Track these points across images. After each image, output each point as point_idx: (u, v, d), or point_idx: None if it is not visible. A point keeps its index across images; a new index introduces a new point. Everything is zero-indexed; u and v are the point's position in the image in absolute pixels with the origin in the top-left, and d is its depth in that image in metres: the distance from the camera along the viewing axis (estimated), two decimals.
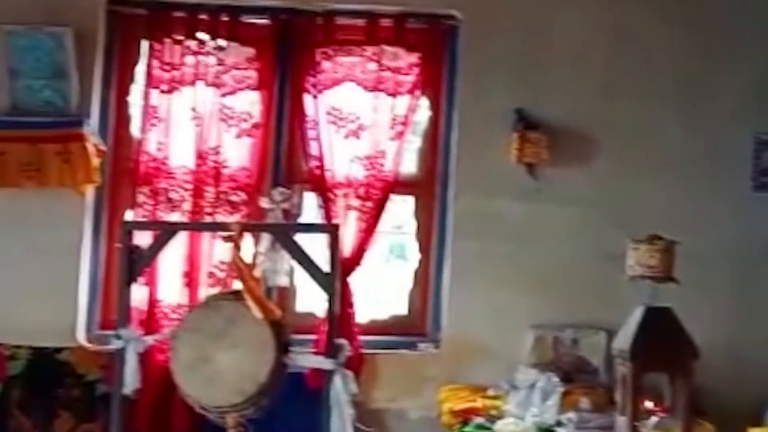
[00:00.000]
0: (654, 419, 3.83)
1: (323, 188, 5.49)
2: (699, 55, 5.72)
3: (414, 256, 5.85)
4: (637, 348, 4.03)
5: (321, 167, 5.49)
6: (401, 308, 5.84)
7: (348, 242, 5.48)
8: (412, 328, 5.80)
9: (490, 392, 5.48)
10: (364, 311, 5.68)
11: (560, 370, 5.53)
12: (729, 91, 5.73)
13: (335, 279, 4.44)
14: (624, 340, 4.13)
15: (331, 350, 4.48)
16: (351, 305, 5.49)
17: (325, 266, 4.49)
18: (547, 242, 5.66)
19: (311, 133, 5.50)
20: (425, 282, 5.80)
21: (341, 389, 4.48)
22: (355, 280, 5.52)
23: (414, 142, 5.74)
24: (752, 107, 5.72)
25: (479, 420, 5.22)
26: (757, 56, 5.73)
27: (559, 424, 5.14)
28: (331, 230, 4.58)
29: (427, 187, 5.78)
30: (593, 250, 5.58)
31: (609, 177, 5.70)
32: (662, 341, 4.05)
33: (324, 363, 4.52)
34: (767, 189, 5.75)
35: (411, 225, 5.83)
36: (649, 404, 4.13)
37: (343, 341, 4.55)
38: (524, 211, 5.67)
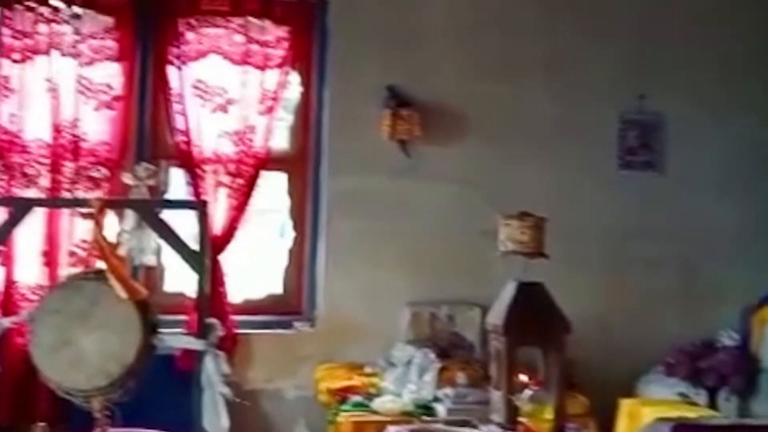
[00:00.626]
0: (528, 392, 3.74)
1: (191, 164, 5.28)
2: (568, 34, 5.71)
3: (289, 234, 5.67)
4: (510, 323, 3.96)
5: (188, 142, 5.29)
6: (276, 287, 5.64)
7: (219, 220, 5.27)
8: (287, 307, 5.65)
9: (367, 370, 5.37)
10: (239, 291, 5.51)
11: (437, 346, 5.45)
12: (596, 69, 5.75)
13: (204, 257, 4.23)
14: (497, 315, 4.05)
15: (201, 330, 4.27)
16: (223, 284, 5.30)
17: (194, 244, 4.27)
18: (421, 219, 5.57)
19: (176, 107, 5.28)
20: (300, 260, 5.65)
21: (213, 370, 4.28)
22: (226, 258, 5.30)
23: (285, 119, 5.58)
24: (619, 86, 5.74)
25: (357, 398, 5.10)
26: (624, 35, 5.75)
27: (436, 399, 5.06)
28: (199, 207, 4.36)
29: (300, 165, 5.63)
30: (466, 227, 5.52)
31: (481, 154, 5.64)
32: (534, 316, 3.99)
33: (194, 343, 4.31)
34: (632, 167, 5.72)
35: (285, 202, 5.63)
36: (523, 378, 4.04)
37: (214, 321, 4.35)
38: (398, 189, 5.57)
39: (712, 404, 4.57)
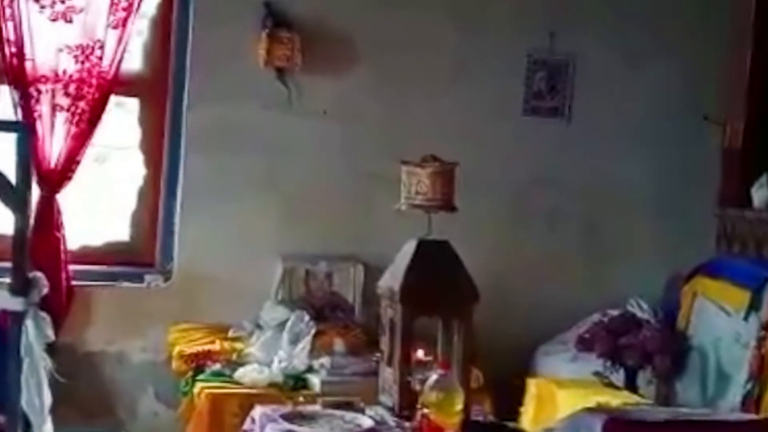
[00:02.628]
0: (433, 377, 2.87)
1: (22, 82, 4.21)
2: None
3: (139, 171, 4.61)
4: (409, 288, 3.10)
5: (20, 56, 4.22)
6: (123, 233, 4.59)
7: (55, 151, 4.19)
8: (136, 256, 4.67)
9: (231, 333, 4.43)
10: (78, 236, 4.53)
11: (312, 307, 4.53)
12: (505, 3, 4.85)
13: (26, 192, 3.17)
14: (393, 278, 3.18)
15: (20, 286, 3.22)
16: (59, 227, 4.26)
17: (14, 177, 3.21)
18: (299, 160, 4.64)
19: (6, 12, 4.18)
20: (153, 203, 4.67)
21: (34, 336, 3.25)
22: (64, 197, 4.23)
23: (141, 34, 4.57)
24: (528, 21, 4.86)
25: (216, 366, 4.15)
26: None
27: (310, 370, 4.15)
28: (21, 129, 3.30)
29: (156, 90, 4.64)
30: (353, 171, 4.65)
31: (372, 88, 4.72)
32: (438, 281, 3.13)
33: (11, 302, 3.26)
34: (538, 113, 4.89)
35: (135, 134, 4.57)
36: (420, 354, 3.17)
37: (38, 275, 3.31)
38: (273, 124, 4.65)
39: (631, 386, 3.78)
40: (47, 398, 3.37)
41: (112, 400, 4.50)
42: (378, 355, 3.97)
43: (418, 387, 3.12)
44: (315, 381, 4.11)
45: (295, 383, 4.10)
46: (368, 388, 3.98)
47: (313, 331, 4.23)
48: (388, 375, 3.26)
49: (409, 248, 3.24)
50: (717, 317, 3.50)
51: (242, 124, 4.59)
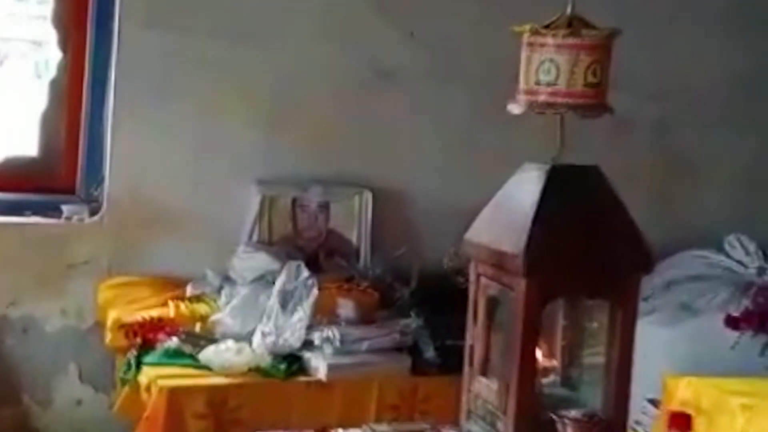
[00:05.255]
0: None
1: None
2: None
3: (51, 56, 3.02)
4: (541, 251, 1.70)
5: None
6: (28, 146, 3.00)
7: None
8: (48, 179, 3.08)
9: (190, 291, 2.95)
10: None
11: (302, 252, 3.05)
12: None
13: None
14: (499, 231, 1.78)
15: None
16: None
17: None
18: (282, 46, 3.19)
19: None
20: (73, 102, 3.03)
21: None
22: None
23: None
24: None
25: (171, 342, 2.67)
26: None
27: (308, 346, 2.69)
28: None
29: None
30: (359, 64, 3.21)
31: None
32: (588, 238, 1.72)
33: None
34: None
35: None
36: (545, 359, 1.77)
37: None
38: None
39: None
40: None
41: (17, 383, 2.98)
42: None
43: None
44: (318, 364, 2.68)
45: (289, 367, 2.66)
46: (394, 372, 2.63)
47: (315, 292, 2.75)
48: (487, 391, 1.82)
49: (529, 179, 1.79)
50: None
51: None
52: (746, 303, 2.68)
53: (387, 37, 3.17)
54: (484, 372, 1.86)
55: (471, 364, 1.89)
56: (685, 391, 2.22)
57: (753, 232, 3.32)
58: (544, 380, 1.81)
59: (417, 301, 2.99)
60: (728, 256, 3.34)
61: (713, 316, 2.96)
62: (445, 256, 3.13)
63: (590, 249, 1.73)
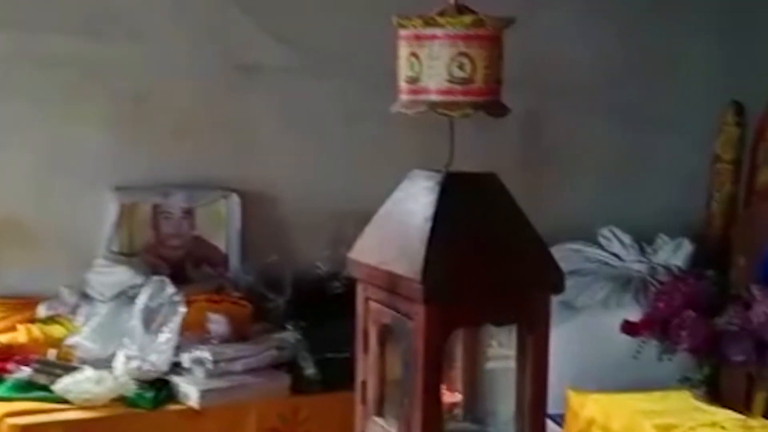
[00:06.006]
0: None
1: None
2: None
3: None
4: (441, 274, 1.50)
5: None
6: None
7: None
8: None
9: (42, 312, 2.65)
10: None
11: (167, 262, 2.77)
12: None
13: None
14: (389, 249, 1.59)
15: None
16: None
17: None
18: (136, 40, 2.78)
19: None
20: None
21: None
22: None
23: None
24: None
25: (23, 372, 2.37)
26: None
27: (178, 369, 2.42)
28: None
29: None
30: (223, 61, 2.86)
31: None
32: (490, 255, 1.58)
33: None
34: None
35: None
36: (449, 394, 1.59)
37: None
38: None
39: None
40: None
41: None
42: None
43: None
44: (189, 390, 2.41)
45: (156, 395, 2.39)
46: (273, 393, 2.40)
47: (182, 309, 2.48)
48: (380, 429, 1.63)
49: (420, 188, 1.59)
50: None
51: None
52: (645, 308, 2.56)
53: (250, 32, 2.91)
54: (380, 412, 1.66)
55: (363, 402, 1.68)
56: (591, 410, 2.08)
57: (625, 224, 3.24)
58: (447, 415, 1.62)
59: (293, 310, 2.77)
60: (603, 248, 3.26)
61: (597, 314, 2.86)
62: (320, 260, 2.92)
63: (495, 269, 1.55)
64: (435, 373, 1.53)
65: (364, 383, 1.66)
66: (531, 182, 3.32)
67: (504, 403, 1.65)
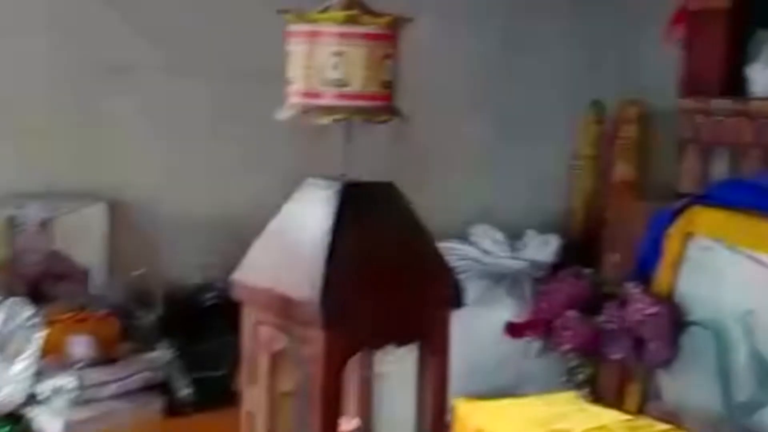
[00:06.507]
0: None
1: None
2: None
3: None
4: (339, 298, 1.36)
5: None
6: None
7: None
8: None
9: None
10: None
11: (23, 279, 2.53)
12: None
13: None
14: (280, 272, 1.43)
15: None
16: None
17: None
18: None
19: None
20: None
21: None
22: None
23: None
24: None
25: None
26: None
27: (37, 400, 2.20)
28: None
29: None
30: (81, 61, 2.62)
31: None
32: (392, 274, 1.45)
33: None
34: None
35: None
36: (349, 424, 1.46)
37: None
38: None
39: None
40: None
41: None
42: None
43: None
44: (50, 422, 2.18)
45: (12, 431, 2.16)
46: (145, 418, 2.22)
47: (41, 333, 2.25)
48: None
49: (315, 200, 1.46)
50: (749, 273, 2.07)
51: None
52: (528, 308, 2.51)
53: (116, 29, 2.68)
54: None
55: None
56: (480, 419, 1.99)
57: (496, 221, 3.22)
58: None
59: (165, 326, 2.58)
60: (475, 246, 3.22)
61: (474, 312, 2.79)
62: (192, 271, 2.74)
63: (398, 287, 1.43)
64: (334, 401, 1.39)
65: (250, 415, 1.50)
66: (401, 184, 3.22)
67: (403, 425, 1.54)
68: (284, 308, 1.42)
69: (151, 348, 2.46)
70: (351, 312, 1.37)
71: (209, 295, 2.72)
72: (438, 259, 1.48)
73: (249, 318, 1.51)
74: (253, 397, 1.51)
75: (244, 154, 2.76)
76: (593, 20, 3.47)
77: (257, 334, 1.50)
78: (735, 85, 2.83)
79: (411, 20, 1.45)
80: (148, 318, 2.59)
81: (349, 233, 1.40)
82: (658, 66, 3.33)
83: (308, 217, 1.44)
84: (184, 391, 2.39)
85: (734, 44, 2.84)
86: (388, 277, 1.41)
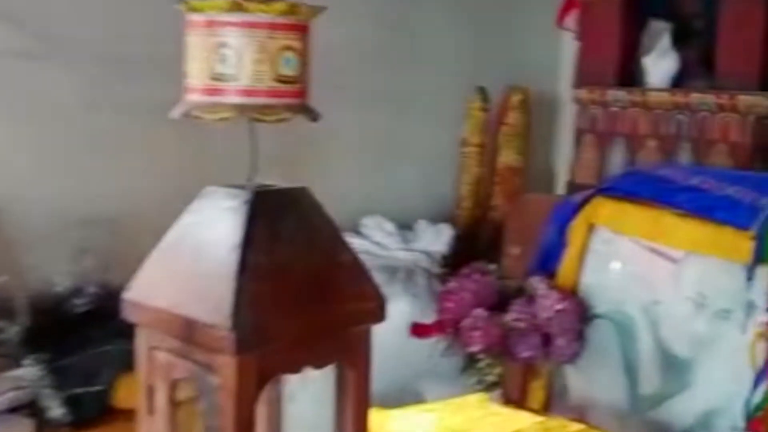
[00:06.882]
0: None
1: None
2: None
3: None
4: (256, 318, 1.20)
5: None
6: None
7: None
8: None
9: None
10: None
11: None
12: None
13: None
14: (183, 291, 1.23)
15: None
16: None
17: None
18: None
19: None
20: None
21: None
22: None
23: None
24: None
25: None
26: None
27: None
28: None
29: None
30: None
31: None
32: (308, 287, 1.30)
33: None
34: None
35: None
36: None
37: None
38: None
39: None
40: None
41: None
42: None
43: None
44: None
45: None
46: None
47: None
48: None
49: (220, 210, 1.28)
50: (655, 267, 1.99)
51: None
52: (424, 303, 2.39)
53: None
54: None
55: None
56: (394, 429, 1.86)
57: (386, 212, 3.09)
58: None
59: (31, 339, 2.32)
60: (367, 238, 3.09)
61: None
62: (59, 276, 2.48)
63: (317, 304, 1.27)
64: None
65: None
66: (288, 177, 3.04)
67: None
68: (186, 332, 1.24)
69: (16, 364, 2.21)
70: (265, 335, 1.21)
71: (81, 301, 2.47)
72: (359, 271, 1.33)
73: (144, 342, 1.32)
74: (151, 430, 1.31)
75: (117, 146, 2.51)
76: (480, 7, 3.39)
77: (154, 361, 1.31)
78: (630, 76, 2.79)
79: (323, 10, 1.28)
80: (12, 330, 2.32)
81: (261, 247, 1.23)
82: (544, 53, 3.28)
83: (212, 230, 1.25)
84: (57, 410, 2.15)
85: (629, 35, 2.80)
86: (305, 294, 1.25)
